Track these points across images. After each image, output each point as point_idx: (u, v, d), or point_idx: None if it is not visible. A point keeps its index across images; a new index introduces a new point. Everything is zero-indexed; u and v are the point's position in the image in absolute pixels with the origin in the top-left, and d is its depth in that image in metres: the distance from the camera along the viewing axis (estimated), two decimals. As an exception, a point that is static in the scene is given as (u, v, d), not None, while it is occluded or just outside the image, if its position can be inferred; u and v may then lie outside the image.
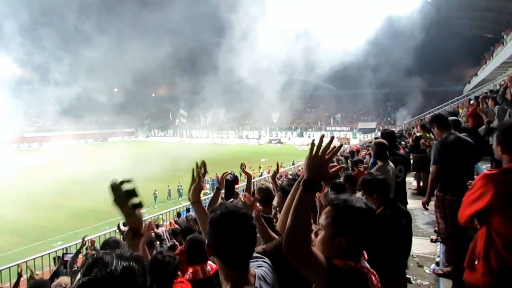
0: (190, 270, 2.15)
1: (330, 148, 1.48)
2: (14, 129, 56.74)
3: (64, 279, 4.20)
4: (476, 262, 2.20)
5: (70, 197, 24.52)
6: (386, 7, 43.29)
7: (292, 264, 1.45)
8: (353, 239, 1.51)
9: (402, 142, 8.90)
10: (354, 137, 57.52)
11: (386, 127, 48.99)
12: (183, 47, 63.30)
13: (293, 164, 27.98)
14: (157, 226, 9.49)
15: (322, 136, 1.53)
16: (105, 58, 58.90)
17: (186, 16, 58.95)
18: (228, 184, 3.22)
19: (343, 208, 1.54)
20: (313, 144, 1.47)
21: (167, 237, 7.90)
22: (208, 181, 27.54)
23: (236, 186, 15.78)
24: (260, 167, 30.73)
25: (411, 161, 7.88)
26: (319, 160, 1.44)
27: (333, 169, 1.53)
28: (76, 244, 7.76)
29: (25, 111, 53.92)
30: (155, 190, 22.41)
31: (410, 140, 11.19)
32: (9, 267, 6.87)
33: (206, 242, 1.41)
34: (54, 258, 7.44)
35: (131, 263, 1.04)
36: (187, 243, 2.72)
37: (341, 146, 1.55)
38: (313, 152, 1.46)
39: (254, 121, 68.71)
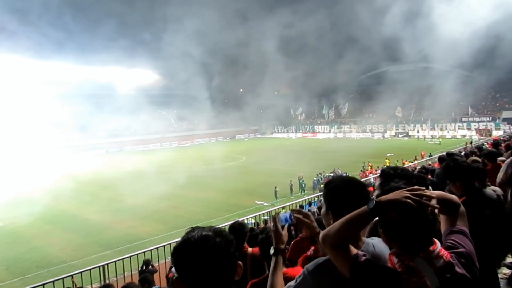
0: (312, 248, 2.23)
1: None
2: (155, 130, 64.62)
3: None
4: None
5: (204, 189, 26.98)
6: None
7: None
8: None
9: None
10: (496, 127, 50.51)
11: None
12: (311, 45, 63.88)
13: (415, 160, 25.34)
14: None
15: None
16: (235, 60, 62.83)
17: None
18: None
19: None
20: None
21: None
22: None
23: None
24: (388, 162, 28.72)
25: None
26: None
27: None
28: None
29: (166, 115, 60.55)
30: (276, 187, 22.65)
31: None
32: (157, 248, 7.79)
33: None
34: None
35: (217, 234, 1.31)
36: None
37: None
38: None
39: (378, 114, 64.99)
